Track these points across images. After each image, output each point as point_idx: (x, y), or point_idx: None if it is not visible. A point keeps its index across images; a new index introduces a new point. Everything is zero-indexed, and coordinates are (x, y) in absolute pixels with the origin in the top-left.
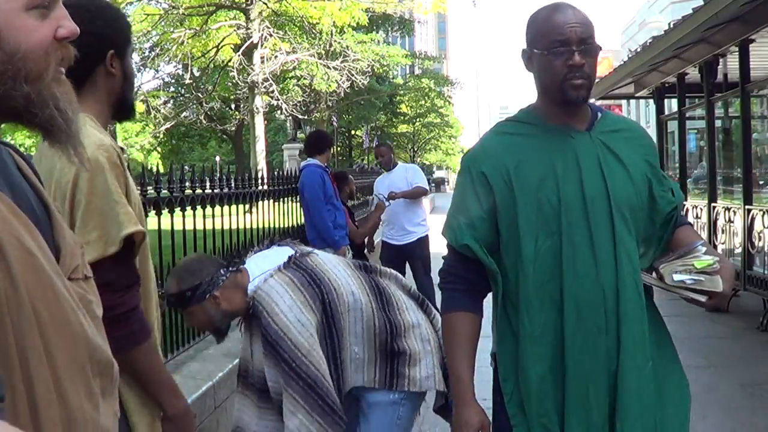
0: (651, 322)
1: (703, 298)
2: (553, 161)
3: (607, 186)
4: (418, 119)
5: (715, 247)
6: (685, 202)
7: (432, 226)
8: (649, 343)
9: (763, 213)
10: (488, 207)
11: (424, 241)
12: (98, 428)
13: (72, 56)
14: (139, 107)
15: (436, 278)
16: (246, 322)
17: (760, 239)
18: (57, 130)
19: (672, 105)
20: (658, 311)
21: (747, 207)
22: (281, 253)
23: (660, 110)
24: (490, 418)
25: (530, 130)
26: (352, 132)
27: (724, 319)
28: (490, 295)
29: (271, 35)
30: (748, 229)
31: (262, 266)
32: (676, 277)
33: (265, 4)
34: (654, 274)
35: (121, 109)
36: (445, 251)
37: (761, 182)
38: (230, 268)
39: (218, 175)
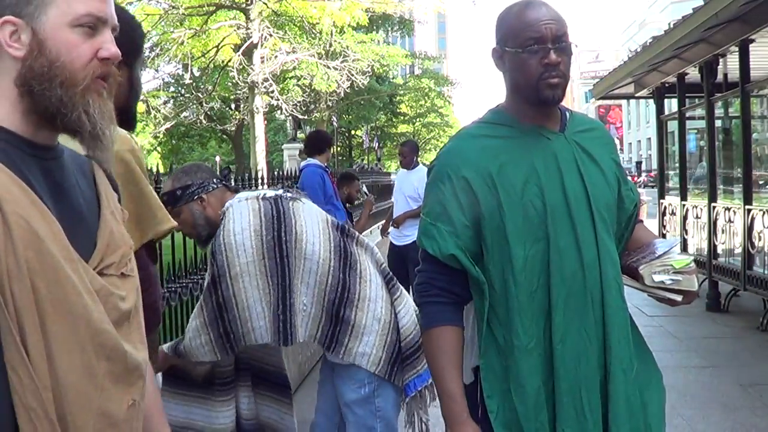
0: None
1: (678, 298)
2: (534, 164)
3: (586, 188)
4: (418, 119)
5: (715, 247)
6: (684, 202)
7: None
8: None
9: (763, 213)
10: (471, 214)
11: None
12: (97, 409)
13: (116, 75)
14: (139, 107)
15: None
16: None
17: (760, 239)
18: (85, 132)
19: (672, 105)
20: (631, 316)
21: (747, 207)
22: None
23: (660, 110)
24: None
25: (506, 132)
26: (352, 132)
27: (724, 319)
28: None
29: (271, 35)
30: (748, 229)
31: (250, 194)
32: (656, 277)
33: (265, 4)
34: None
35: (122, 118)
36: None
37: (761, 182)
38: (223, 182)
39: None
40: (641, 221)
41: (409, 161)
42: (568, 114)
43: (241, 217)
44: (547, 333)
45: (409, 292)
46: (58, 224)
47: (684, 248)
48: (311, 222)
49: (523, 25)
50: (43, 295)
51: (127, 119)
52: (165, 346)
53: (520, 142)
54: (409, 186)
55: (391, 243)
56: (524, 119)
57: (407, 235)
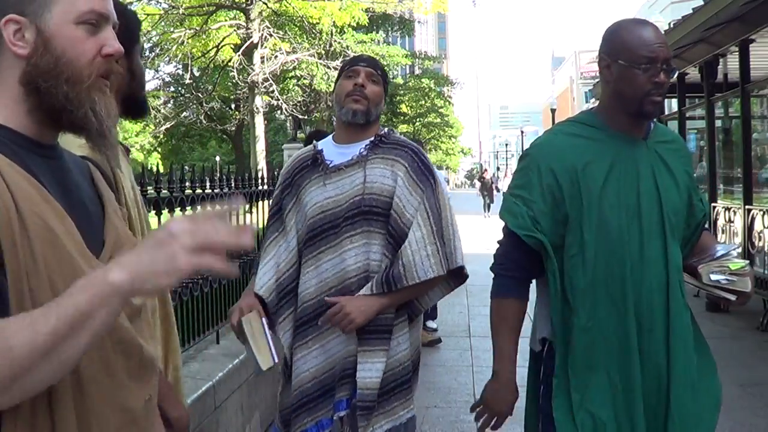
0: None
1: (733, 297)
2: (615, 165)
3: (659, 193)
4: (418, 119)
5: None
6: None
7: None
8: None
9: (763, 213)
10: (551, 202)
11: None
12: (117, 404)
13: (117, 72)
14: None
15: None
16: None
17: (760, 239)
18: (91, 129)
19: (672, 105)
20: (691, 310)
21: (747, 207)
22: None
23: (660, 110)
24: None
25: (595, 134)
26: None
27: (724, 319)
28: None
29: (271, 35)
30: (748, 229)
31: None
32: (713, 277)
33: (265, 4)
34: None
35: (130, 107)
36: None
37: (761, 182)
38: None
39: (218, 175)
40: (707, 229)
41: None
42: (652, 124)
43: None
44: (612, 318)
45: None
46: (71, 220)
47: None
48: None
49: (639, 43)
50: (61, 291)
51: (135, 107)
52: (367, 289)
53: (606, 145)
54: None
55: None
56: (614, 125)
57: None
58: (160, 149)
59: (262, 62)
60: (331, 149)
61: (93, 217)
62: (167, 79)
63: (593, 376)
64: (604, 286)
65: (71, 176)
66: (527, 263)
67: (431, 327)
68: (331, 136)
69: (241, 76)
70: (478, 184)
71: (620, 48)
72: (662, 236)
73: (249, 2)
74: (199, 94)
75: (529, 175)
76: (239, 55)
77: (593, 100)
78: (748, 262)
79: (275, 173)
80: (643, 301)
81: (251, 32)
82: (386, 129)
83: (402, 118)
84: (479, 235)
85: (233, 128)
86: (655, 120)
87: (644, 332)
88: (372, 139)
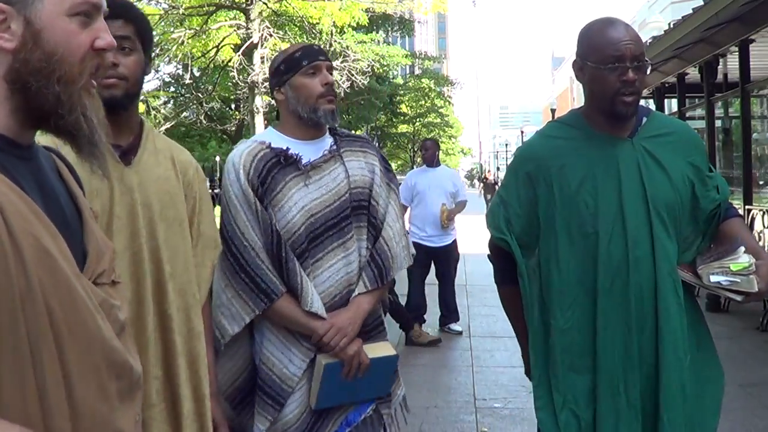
0: (690, 316)
1: (738, 298)
2: (593, 167)
3: (645, 189)
4: (418, 119)
5: None
6: None
7: None
8: (688, 336)
9: (763, 213)
10: (526, 205)
11: (452, 246)
12: (111, 430)
13: (107, 66)
14: (139, 107)
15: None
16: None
17: (760, 239)
18: (81, 136)
19: (672, 105)
20: (698, 306)
21: (747, 207)
22: None
23: (660, 110)
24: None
25: (575, 135)
26: (352, 132)
27: (724, 319)
28: None
29: (271, 35)
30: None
31: None
32: (713, 278)
33: (265, 4)
34: (689, 272)
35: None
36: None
37: (761, 182)
38: None
39: (218, 175)
40: (738, 216)
41: (431, 155)
42: (645, 119)
43: None
44: (591, 319)
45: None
46: (62, 238)
47: None
48: None
49: (605, 43)
50: (57, 316)
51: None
52: (362, 286)
53: (585, 147)
54: (448, 184)
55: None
56: (596, 126)
57: (450, 233)
58: None
59: (262, 62)
60: (294, 146)
61: (72, 224)
62: (167, 80)
63: (576, 378)
64: (581, 289)
65: (48, 178)
66: (510, 255)
67: (455, 330)
68: (274, 131)
69: (241, 76)
70: (480, 185)
71: (589, 49)
72: (650, 236)
73: (249, 2)
74: (199, 95)
75: (510, 177)
76: (239, 55)
77: None
78: (753, 261)
79: None
80: (632, 303)
81: (251, 32)
82: None
83: (402, 118)
84: (479, 236)
85: (233, 128)
86: (653, 112)
87: (634, 334)
88: (329, 132)
